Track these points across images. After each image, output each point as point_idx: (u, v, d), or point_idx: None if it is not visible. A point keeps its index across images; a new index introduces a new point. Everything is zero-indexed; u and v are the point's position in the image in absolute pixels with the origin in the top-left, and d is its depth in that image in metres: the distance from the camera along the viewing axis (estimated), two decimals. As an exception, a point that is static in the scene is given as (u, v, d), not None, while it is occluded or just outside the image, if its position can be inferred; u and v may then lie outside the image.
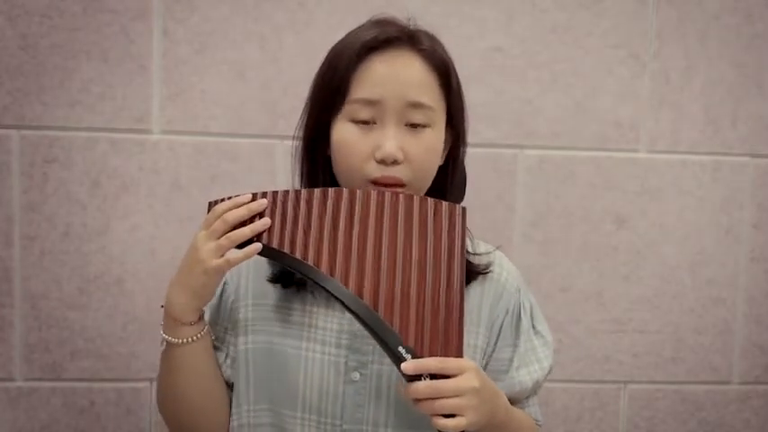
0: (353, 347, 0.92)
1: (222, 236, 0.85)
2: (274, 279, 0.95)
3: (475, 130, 1.34)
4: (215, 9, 1.30)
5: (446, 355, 0.82)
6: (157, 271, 1.31)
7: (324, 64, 0.94)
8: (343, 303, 0.83)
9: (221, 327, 0.99)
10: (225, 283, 0.99)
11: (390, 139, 0.88)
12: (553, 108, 1.37)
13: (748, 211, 1.43)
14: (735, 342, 1.45)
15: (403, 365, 0.80)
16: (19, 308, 1.30)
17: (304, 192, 0.86)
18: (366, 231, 0.85)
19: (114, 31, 1.28)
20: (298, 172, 0.98)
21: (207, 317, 0.97)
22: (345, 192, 0.86)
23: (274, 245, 0.85)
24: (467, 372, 0.81)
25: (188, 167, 1.31)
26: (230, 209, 0.85)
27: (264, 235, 0.85)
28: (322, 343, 0.93)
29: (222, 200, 0.88)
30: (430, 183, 0.94)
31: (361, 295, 0.83)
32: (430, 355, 0.82)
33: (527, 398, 1.00)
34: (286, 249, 0.85)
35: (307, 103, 0.96)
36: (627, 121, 1.39)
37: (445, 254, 0.86)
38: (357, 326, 0.92)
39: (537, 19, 1.36)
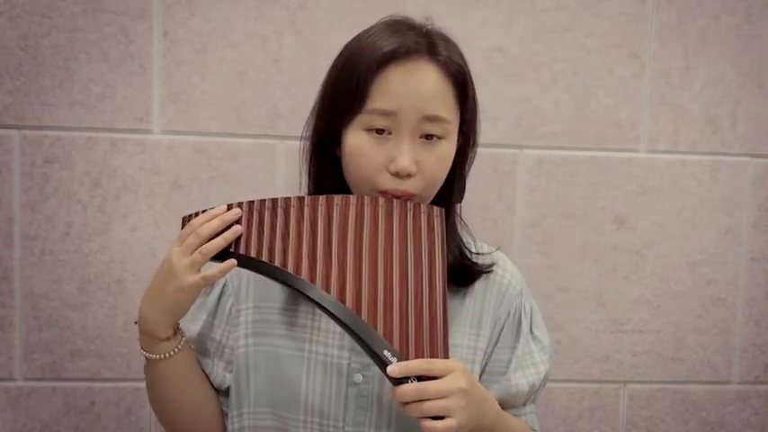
0: (356, 349, 0.91)
1: (196, 250, 0.84)
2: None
3: (475, 130, 1.35)
4: (215, 9, 1.30)
5: (432, 356, 0.82)
6: (158, 271, 1.31)
7: (338, 67, 0.92)
8: (325, 310, 0.82)
9: (218, 330, 0.98)
10: (224, 286, 0.98)
11: (405, 154, 0.87)
12: (553, 108, 1.37)
13: (748, 211, 1.43)
14: (735, 342, 1.45)
15: (389, 368, 0.79)
16: (19, 308, 1.30)
17: (281, 200, 0.85)
18: (346, 237, 0.85)
19: (114, 31, 1.28)
20: (305, 173, 0.97)
21: (203, 320, 0.97)
22: (322, 199, 0.86)
23: (252, 254, 0.84)
24: (453, 372, 0.81)
25: (188, 167, 1.31)
26: (204, 222, 0.84)
27: (242, 245, 0.84)
28: (324, 345, 0.92)
29: (196, 214, 0.86)
30: (438, 189, 0.94)
31: (343, 300, 0.82)
32: (416, 358, 0.81)
33: (524, 404, 1.00)
34: (264, 258, 0.83)
35: (317, 104, 0.95)
36: (627, 121, 1.39)
37: (426, 256, 0.85)
38: None
39: (537, 19, 1.36)
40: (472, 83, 0.94)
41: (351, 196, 0.86)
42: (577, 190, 1.39)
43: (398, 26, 0.92)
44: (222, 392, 0.98)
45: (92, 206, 1.30)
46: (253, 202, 0.86)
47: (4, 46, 1.26)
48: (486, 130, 1.36)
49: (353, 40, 0.93)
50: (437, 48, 0.90)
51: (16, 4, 1.25)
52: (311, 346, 0.92)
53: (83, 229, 1.30)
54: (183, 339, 0.91)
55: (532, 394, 0.99)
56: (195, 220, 0.85)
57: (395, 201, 0.87)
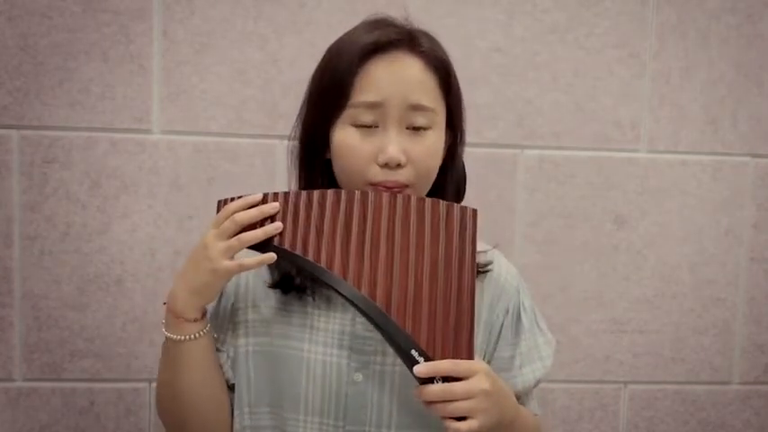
0: (355, 348, 0.92)
1: (232, 236, 0.84)
2: (273, 285, 0.95)
3: (475, 130, 1.35)
4: (215, 9, 1.29)
5: (457, 356, 0.83)
6: (157, 271, 1.31)
7: (321, 66, 0.93)
8: (356, 306, 0.83)
9: (222, 328, 0.98)
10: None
11: (393, 143, 0.88)
12: (553, 108, 1.37)
13: (748, 212, 1.43)
14: (735, 342, 1.45)
15: (416, 368, 0.81)
16: (19, 308, 1.30)
17: (316, 193, 0.85)
18: (379, 234, 0.84)
19: (114, 31, 1.28)
20: (295, 175, 0.98)
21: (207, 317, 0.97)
22: (357, 194, 0.85)
23: (286, 246, 0.84)
24: (478, 374, 0.82)
25: (188, 167, 1.31)
26: (241, 209, 0.84)
27: (276, 236, 0.84)
28: (324, 344, 0.92)
29: (232, 198, 0.86)
30: (432, 183, 0.94)
31: (373, 297, 0.83)
32: (442, 358, 0.82)
33: (527, 395, 1.01)
34: (298, 251, 0.84)
35: (303, 106, 0.96)
36: (627, 121, 1.39)
37: (456, 256, 0.85)
38: (358, 327, 0.92)
39: (537, 19, 1.36)
40: (455, 76, 0.94)
41: (384, 194, 0.86)
42: (577, 190, 1.39)
43: (379, 23, 0.93)
44: (230, 388, 0.98)
45: (91, 206, 1.30)
46: (288, 192, 0.86)
47: (3, 46, 1.26)
48: (486, 130, 1.36)
49: (336, 41, 0.94)
50: (418, 40, 0.91)
51: (16, 4, 1.25)
52: (310, 345, 0.93)
53: (82, 229, 1.30)
54: (208, 326, 0.91)
55: (536, 386, 1.00)
56: (231, 206, 0.85)
57: (428, 200, 0.87)
